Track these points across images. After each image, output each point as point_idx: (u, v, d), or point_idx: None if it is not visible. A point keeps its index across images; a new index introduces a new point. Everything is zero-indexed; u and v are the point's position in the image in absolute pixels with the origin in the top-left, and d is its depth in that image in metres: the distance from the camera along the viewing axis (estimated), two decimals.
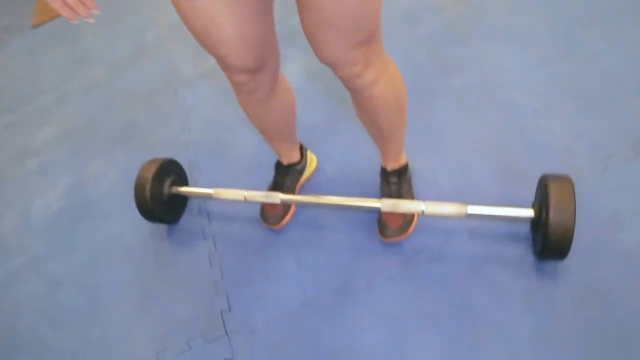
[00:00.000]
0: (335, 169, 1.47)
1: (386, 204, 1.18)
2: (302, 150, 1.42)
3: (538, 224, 1.09)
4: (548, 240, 1.02)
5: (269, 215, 1.37)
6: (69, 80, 2.19)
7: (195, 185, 1.57)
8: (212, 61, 1.92)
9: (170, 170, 1.45)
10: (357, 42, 0.84)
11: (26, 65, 2.40)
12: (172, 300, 1.34)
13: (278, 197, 1.28)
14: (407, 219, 1.25)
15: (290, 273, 1.29)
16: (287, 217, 1.38)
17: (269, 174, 1.44)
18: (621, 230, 1.15)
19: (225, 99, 1.78)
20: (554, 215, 1.01)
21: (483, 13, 1.76)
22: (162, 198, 1.40)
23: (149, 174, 1.35)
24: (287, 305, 1.24)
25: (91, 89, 2.09)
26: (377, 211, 1.31)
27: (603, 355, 1.00)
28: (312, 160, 1.47)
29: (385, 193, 1.27)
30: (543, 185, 1.08)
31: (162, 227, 1.50)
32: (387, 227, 1.24)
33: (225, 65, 0.98)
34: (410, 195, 1.29)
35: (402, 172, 1.27)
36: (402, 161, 1.27)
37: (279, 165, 1.40)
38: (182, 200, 1.50)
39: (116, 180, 1.70)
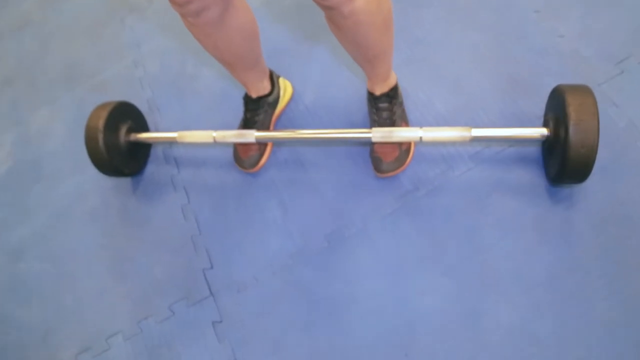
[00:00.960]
0: (314, 97, 1.29)
1: (378, 134, 1.03)
2: (273, 79, 1.22)
3: (554, 144, 0.95)
4: (567, 162, 0.88)
5: (243, 158, 1.20)
6: None
7: (156, 130, 1.37)
8: None
9: (126, 115, 1.25)
10: None
11: None
12: (147, 261, 1.21)
13: (252, 135, 1.11)
14: (403, 150, 1.09)
15: (275, 220, 1.16)
16: (264, 158, 1.22)
17: (240, 110, 1.26)
18: None
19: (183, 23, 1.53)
20: (574, 134, 0.86)
21: None
22: (120, 148, 1.21)
23: (100, 122, 1.16)
24: (276, 257, 1.12)
25: (23, 27, 1.80)
26: (368, 143, 1.16)
27: (628, 283, 0.91)
28: (286, 89, 1.28)
29: (375, 121, 1.11)
30: (559, 98, 0.92)
31: (125, 181, 1.33)
32: (382, 161, 1.08)
33: None
34: (404, 121, 1.13)
35: (393, 95, 1.10)
36: (392, 82, 1.10)
37: (247, 99, 1.21)
38: (143, 148, 1.32)
39: (66, 131, 1.49)
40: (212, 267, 1.15)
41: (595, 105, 0.87)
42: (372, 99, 1.11)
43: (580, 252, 0.96)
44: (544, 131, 0.96)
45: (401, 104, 1.14)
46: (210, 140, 1.15)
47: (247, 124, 1.21)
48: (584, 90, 0.90)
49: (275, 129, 1.26)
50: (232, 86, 1.36)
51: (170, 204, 1.26)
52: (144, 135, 1.25)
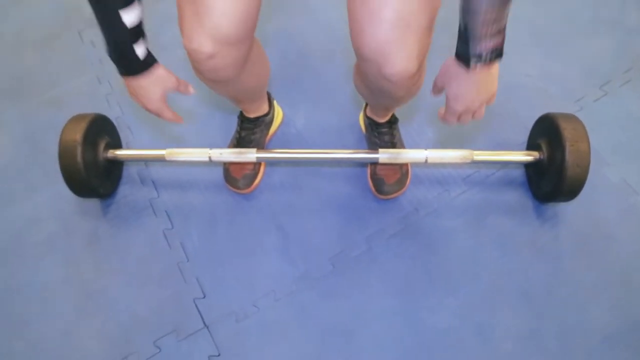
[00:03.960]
0: (305, 121, 1.29)
1: (385, 155, 1.05)
2: (270, 99, 1.20)
3: (547, 167, 1.04)
4: (564, 181, 0.98)
5: (236, 178, 1.15)
6: None
7: (128, 149, 1.26)
8: None
9: (102, 130, 1.13)
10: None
11: None
12: (124, 293, 1.07)
13: (254, 154, 1.07)
14: (403, 172, 1.13)
15: (274, 245, 1.11)
16: (258, 179, 1.18)
17: (223, 129, 1.21)
18: (605, 167, 1.17)
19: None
20: (571, 155, 0.96)
21: None
22: (97, 165, 1.09)
23: (78, 135, 1.04)
24: (278, 283, 1.06)
25: None
26: (365, 165, 1.18)
27: (611, 287, 1.02)
28: (278, 112, 1.26)
29: (376, 144, 1.13)
30: (551, 124, 1.03)
31: (93, 206, 1.19)
32: (385, 182, 1.10)
33: (198, 17, 0.73)
34: (402, 145, 1.17)
35: (394, 121, 1.14)
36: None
37: (243, 118, 1.17)
38: (117, 168, 1.20)
39: (12, 150, 1.31)
40: (204, 297, 1.06)
41: (585, 131, 0.99)
42: (374, 125, 1.14)
43: (571, 265, 1.05)
44: (536, 154, 1.06)
45: (399, 129, 1.18)
46: (205, 158, 1.08)
47: (240, 142, 1.16)
48: (574, 118, 1.01)
49: (276, 148, 1.22)
50: (214, 104, 1.31)
51: (151, 230, 1.14)
52: (126, 152, 1.14)
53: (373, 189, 1.14)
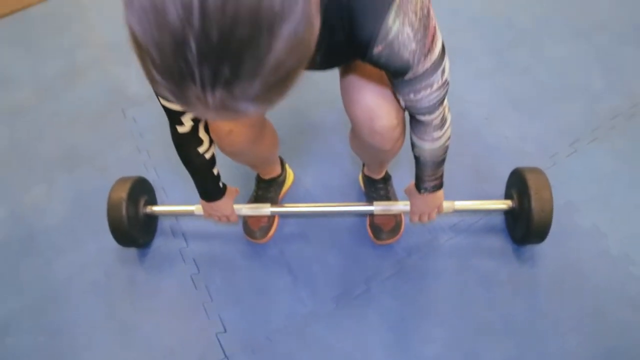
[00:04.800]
0: (313, 181, 1.49)
1: (379, 207, 1.23)
2: (283, 163, 1.42)
3: (518, 213, 1.21)
4: (532, 224, 1.14)
5: (254, 229, 1.34)
6: None
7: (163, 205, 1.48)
8: None
9: (143, 189, 1.36)
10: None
11: None
12: (157, 329, 1.24)
13: (268, 208, 1.27)
14: (397, 221, 1.31)
15: (285, 286, 1.27)
16: (272, 230, 1.37)
17: (243, 189, 1.41)
18: (578, 215, 1.32)
19: None
20: (535, 201, 1.13)
21: None
22: (138, 219, 1.30)
23: (123, 193, 1.26)
24: (288, 319, 1.22)
25: (17, 113, 1.87)
26: (365, 217, 1.36)
27: (586, 319, 1.14)
28: (289, 173, 1.48)
29: (373, 198, 1.32)
30: (519, 177, 1.21)
31: (131, 255, 1.38)
32: (382, 230, 1.28)
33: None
34: (396, 198, 1.35)
35: (387, 178, 1.34)
36: (386, 168, 1.34)
37: (260, 179, 1.38)
38: (154, 221, 1.41)
39: (64, 209, 1.54)
40: (225, 331, 1.22)
41: (547, 181, 1.16)
42: (371, 181, 1.34)
43: (548, 300, 1.18)
44: (509, 202, 1.23)
45: (392, 184, 1.37)
46: None
47: (257, 200, 1.37)
48: (538, 171, 1.19)
49: (287, 203, 1.42)
50: (235, 168, 1.53)
51: (180, 275, 1.33)
52: (162, 208, 1.35)
53: (371, 236, 1.32)
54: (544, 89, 1.65)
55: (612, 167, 1.42)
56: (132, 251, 1.39)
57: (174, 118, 0.92)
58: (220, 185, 1.12)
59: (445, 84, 0.78)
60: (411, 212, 1.16)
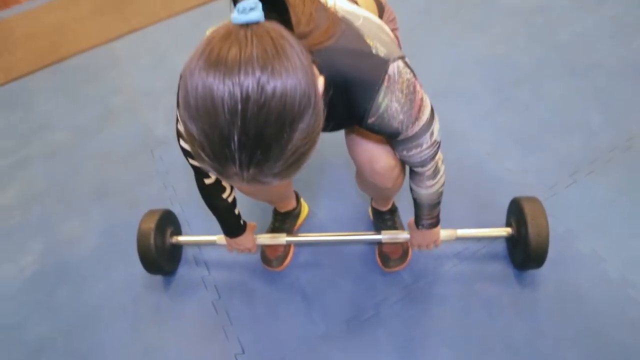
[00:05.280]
0: (326, 213, 1.60)
1: (386, 236, 1.33)
2: (298, 197, 1.53)
3: (517, 240, 1.29)
4: (530, 249, 1.21)
5: (271, 258, 1.44)
6: (27, 145, 2.13)
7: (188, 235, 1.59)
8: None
9: (169, 221, 1.48)
10: None
11: None
12: (181, 351, 1.33)
13: (284, 238, 1.37)
14: (404, 249, 1.39)
15: (300, 310, 1.36)
16: (289, 259, 1.46)
17: (261, 222, 1.52)
18: (577, 241, 1.39)
19: None
20: (532, 227, 1.21)
21: (428, 79, 2.05)
22: (165, 248, 1.41)
23: (152, 224, 1.38)
24: (303, 340, 1.29)
25: (55, 153, 2.05)
26: (374, 246, 1.45)
27: (586, 340, 1.19)
28: (304, 207, 1.58)
29: (381, 229, 1.41)
30: (517, 205, 1.29)
31: (157, 282, 1.49)
32: (389, 258, 1.37)
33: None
34: (402, 228, 1.44)
35: (394, 210, 1.44)
36: (392, 200, 1.44)
37: (276, 212, 1.49)
38: (178, 251, 1.52)
39: (96, 240, 1.67)
40: (244, 352, 1.30)
41: (543, 208, 1.24)
42: (378, 213, 1.44)
43: (549, 322, 1.24)
44: (509, 230, 1.31)
45: (399, 215, 1.46)
46: None
47: (274, 231, 1.47)
48: (534, 199, 1.28)
49: (302, 233, 1.52)
50: (253, 204, 1.65)
51: (202, 300, 1.43)
52: (186, 238, 1.47)
53: (380, 263, 1.40)
54: (544, 125, 1.75)
55: (609, 196, 1.49)
56: (157, 279, 1.50)
57: (202, 173, 1.07)
58: (241, 222, 1.26)
59: (435, 144, 0.91)
60: (411, 243, 1.29)
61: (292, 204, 1.49)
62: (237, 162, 0.55)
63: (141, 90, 2.28)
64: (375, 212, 1.45)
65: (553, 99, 1.84)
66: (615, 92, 1.82)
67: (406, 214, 1.51)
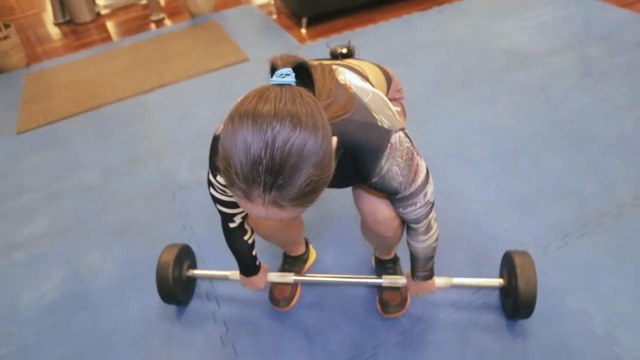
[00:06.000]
0: (332, 261, 1.70)
1: (387, 281, 1.43)
2: (307, 243, 1.65)
3: (508, 290, 1.37)
4: (519, 297, 1.30)
5: (278, 298, 1.54)
6: (58, 181, 2.30)
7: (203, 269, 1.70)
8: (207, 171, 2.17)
9: (186, 255, 1.59)
10: None
11: (9, 166, 2.47)
12: None
13: (292, 277, 1.47)
14: (403, 297, 1.48)
15: (303, 347, 1.43)
16: (295, 300, 1.56)
17: (272, 263, 1.63)
18: (567, 298, 1.47)
19: None
20: (521, 279, 1.31)
21: (437, 144, 2.22)
22: (181, 280, 1.52)
23: (171, 257, 1.50)
24: None
25: (84, 190, 2.21)
26: (376, 291, 1.55)
27: None
28: (312, 253, 1.70)
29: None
30: (508, 258, 1.39)
31: (169, 314, 1.58)
32: (388, 304, 1.46)
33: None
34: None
35: (395, 259, 1.55)
36: (394, 250, 1.55)
37: (286, 256, 1.61)
38: (193, 283, 1.62)
39: (115, 272, 1.78)
40: None
41: (532, 261, 1.35)
42: (381, 262, 1.54)
43: None
44: (500, 281, 1.40)
45: (400, 265, 1.57)
46: None
47: (283, 272, 1.57)
48: (525, 253, 1.38)
49: (307, 275, 1.62)
50: (266, 247, 1.77)
51: (211, 333, 1.51)
52: (201, 272, 1.58)
53: (380, 309, 1.49)
54: (541, 190, 1.88)
55: (598, 258, 1.59)
56: (170, 311, 1.59)
57: (228, 219, 1.20)
58: (257, 263, 1.38)
59: (428, 203, 1.04)
60: (409, 291, 1.40)
61: (302, 248, 1.61)
62: (262, 184, 0.68)
63: (167, 139, 2.48)
64: (378, 261, 1.56)
65: (550, 168, 1.98)
66: (607, 163, 1.96)
67: (407, 265, 1.62)
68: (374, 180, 0.96)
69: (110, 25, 4.06)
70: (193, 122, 2.59)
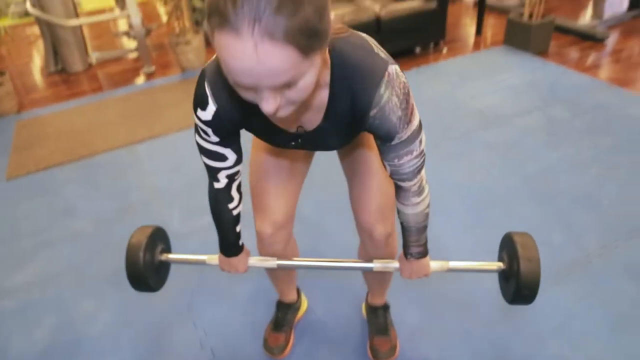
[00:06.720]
0: (324, 310, 1.77)
1: (378, 264, 1.29)
2: (299, 291, 1.73)
3: (509, 273, 1.25)
4: (520, 280, 1.17)
5: (272, 346, 1.59)
6: (50, 228, 2.32)
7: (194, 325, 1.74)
8: (199, 220, 2.25)
9: (161, 238, 1.43)
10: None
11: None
12: None
13: (274, 262, 1.32)
14: (392, 344, 1.56)
15: None
16: (288, 349, 1.61)
17: (265, 314, 1.69)
18: (544, 344, 1.57)
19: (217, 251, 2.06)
20: (523, 259, 1.18)
21: None
22: (154, 263, 1.36)
23: (143, 238, 1.33)
24: None
25: (76, 237, 2.24)
26: (367, 336, 1.62)
27: None
28: (304, 302, 1.77)
29: (374, 324, 1.60)
30: (508, 240, 1.27)
31: None
32: (379, 351, 1.53)
33: (263, 213, 1.29)
34: (393, 327, 1.62)
35: (387, 307, 1.64)
36: (386, 297, 1.63)
37: (280, 304, 1.67)
38: (166, 268, 1.46)
39: (109, 321, 1.80)
40: None
41: (533, 240, 1.22)
42: (373, 309, 1.63)
43: None
44: (500, 264, 1.28)
45: (390, 313, 1.65)
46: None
47: (277, 322, 1.64)
48: (525, 234, 1.26)
49: (295, 330, 1.68)
50: (261, 295, 1.83)
51: None
52: (175, 256, 1.40)
53: (370, 355, 1.56)
54: None
55: (569, 304, 1.71)
56: None
57: (213, 176, 1.12)
58: (240, 243, 1.28)
59: (422, 153, 0.98)
60: (401, 274, 1.28)
61: (294, 295, 1.68)
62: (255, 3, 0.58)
63: (158, 189, 2.55)
64: (369, 308, 1.64)
65: (522, 220, 2.13)
66: (575, 215, 2.12)
67: (396, 315, 1.71)
68: (373, 113, 0.87)
69: (101, 75, 4.19)
70: (182, 173, 2.67)
